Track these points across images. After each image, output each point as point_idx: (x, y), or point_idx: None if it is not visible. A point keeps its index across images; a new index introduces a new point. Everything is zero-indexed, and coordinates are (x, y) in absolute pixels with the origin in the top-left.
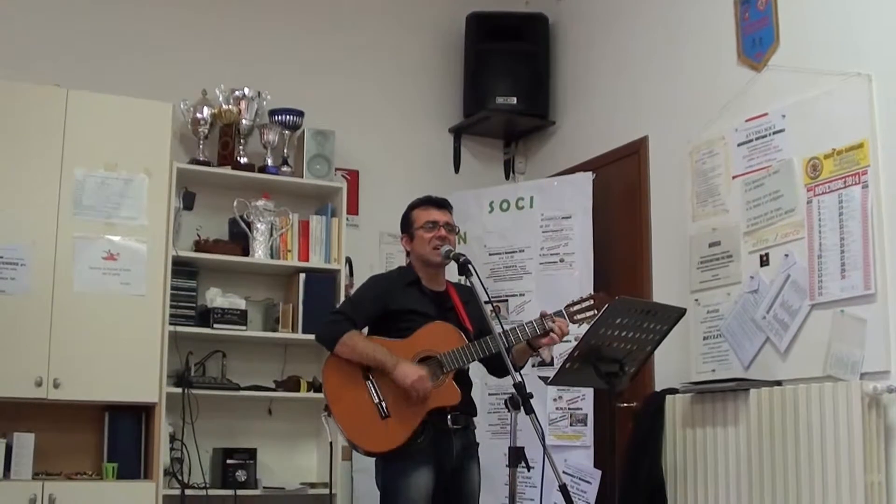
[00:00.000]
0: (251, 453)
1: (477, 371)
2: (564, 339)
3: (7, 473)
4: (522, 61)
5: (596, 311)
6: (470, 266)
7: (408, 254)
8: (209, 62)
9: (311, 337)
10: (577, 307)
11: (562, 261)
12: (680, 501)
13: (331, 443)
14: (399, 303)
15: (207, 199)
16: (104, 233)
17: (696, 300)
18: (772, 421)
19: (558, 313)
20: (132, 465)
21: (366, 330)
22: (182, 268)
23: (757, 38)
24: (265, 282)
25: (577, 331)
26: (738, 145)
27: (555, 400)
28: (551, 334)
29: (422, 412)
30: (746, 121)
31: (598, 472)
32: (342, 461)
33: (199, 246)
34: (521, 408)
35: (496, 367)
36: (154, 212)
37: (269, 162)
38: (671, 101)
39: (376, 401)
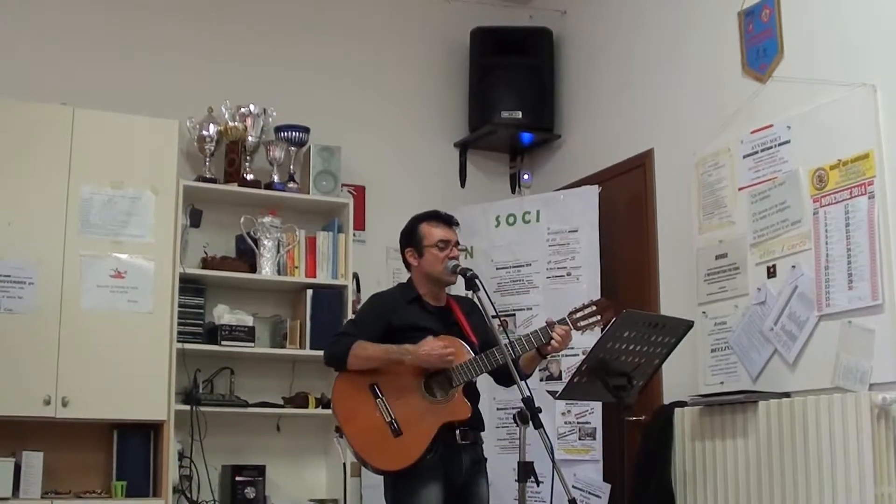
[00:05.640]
0: (260, 470)
1: (484, 386)
2: (571, 350)
3: (16, 492)
4: (527, 75)
5: (599, 317)
6: (477, 281)
7: (407, 267)
8: (215, 79)
9: (319, 353)
10: (580, 314)
11: (569, 274)
12: None
13: (344, 464)
14: (402, 320)
15: (214, 216)
16: (111, 251)
17: (704, 312)
18: (781, 433)
19: (562, 321)
20: (141, 482)
21: None
22: (189, 285)
23: (761, 50)
24: (272, 298)
25: (582, 341)
26: (744, 157)
27: (563, 414)
28: (552, 343)
29: (434, 428)
30: (752, 132)
31: (608, 486)
32: (351, 477)
33: (207, 263)
34: (530, 422)
35: (503, 376)
36: (161, 229)
37: (276, 178)
38: (676, 113)
39: (388, 419)
